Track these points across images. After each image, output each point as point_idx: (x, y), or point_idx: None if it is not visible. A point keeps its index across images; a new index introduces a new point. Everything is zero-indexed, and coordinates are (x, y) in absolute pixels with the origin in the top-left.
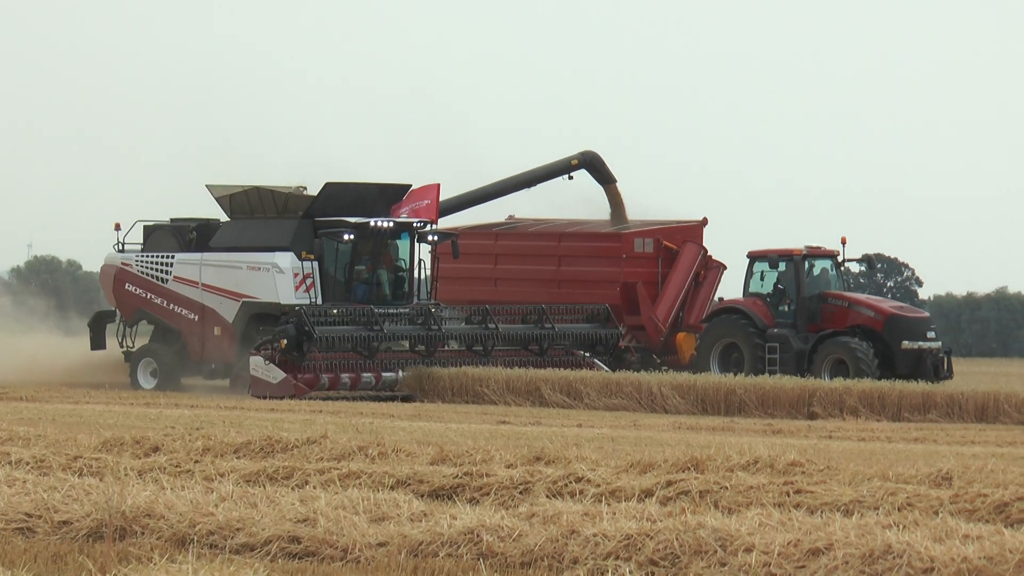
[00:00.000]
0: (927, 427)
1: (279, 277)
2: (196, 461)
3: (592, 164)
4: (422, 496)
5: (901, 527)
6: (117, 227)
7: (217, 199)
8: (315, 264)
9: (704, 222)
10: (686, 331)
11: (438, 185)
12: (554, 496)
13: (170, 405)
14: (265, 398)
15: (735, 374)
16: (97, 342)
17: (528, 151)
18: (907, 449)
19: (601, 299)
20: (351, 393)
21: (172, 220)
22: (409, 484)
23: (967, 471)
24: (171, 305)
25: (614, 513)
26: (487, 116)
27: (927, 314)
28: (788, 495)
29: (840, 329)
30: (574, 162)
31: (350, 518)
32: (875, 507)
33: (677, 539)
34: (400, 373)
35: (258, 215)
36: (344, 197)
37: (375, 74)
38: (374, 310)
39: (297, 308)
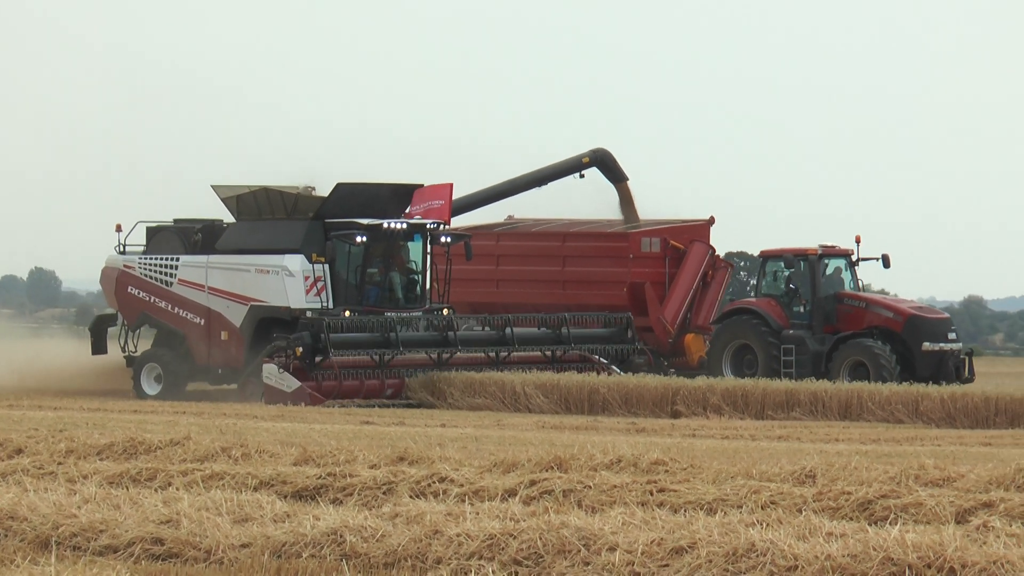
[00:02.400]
0: (791, 425)
1: (289, 280)
2: (59, 463)
3: (604, 162)
4: (285, 497)
5: (765, 525)
6: (118, 228)
7: (223, 200)
8: (326, 267)
9: (711, 221)
10: (694, 332)
11: (451, 185)
12: (417, 496)
13: (33, 407)
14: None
15: (750, 377)
16: (98, 347)
17: (536, 150)
18: (771, 447)
19: (607, 300)
20: (365, 401)
21: (175, 221)
22: (272, 485)
23: (831, 469)
24: (176, 309)
25: (477, 513)
26: (497, 115)
27: (947, 315)
28: (651, 494)
29: (857, 331)
30: (585, 160)
31: (213, 519)
32: (739, 505)
33: (540, 539)
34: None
35: (266, 216)
36: (356, 198)
37: (376, 72)
38: (388, 315)
39: (309, 314)
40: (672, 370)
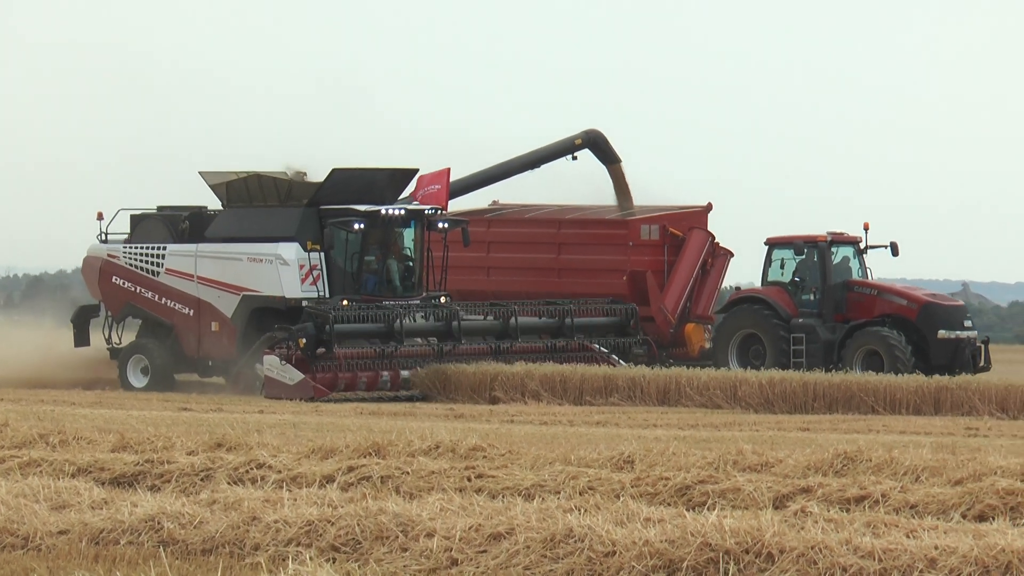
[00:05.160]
0: (609, 410)
1: (283, 269)
2: None
3: (596, 143)
4: (103, 484)
5: (583, 511)
6: (100, 216)
7: (212, 187)
8: (321, 255)
9: (709, 207)
10: (695, 322)
11: (448, 170)
12: (235, 483)
13: None
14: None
15: (757, 368)
16: (81, 338)
17: (529, 132)
18: (589, 433)
19: (606, 289)
20: (369, 394)
21: (159, 208)
22: (90, 472)
23: (649, 454)
24: (163, 299)
25: (295, 499)
26: (489, 97)
27: (962, 302)
28: (469, 480)
29: (869, 319)
30: (578, 141)
31: (30, 506)
32: (557, 491)
33: (358, 525)
34: (415, 371)
35: (257, 203)
36: (351, 183)
37: (362, 54)
38: (388, 303)
39: (305, 304)
40: (671, 361)
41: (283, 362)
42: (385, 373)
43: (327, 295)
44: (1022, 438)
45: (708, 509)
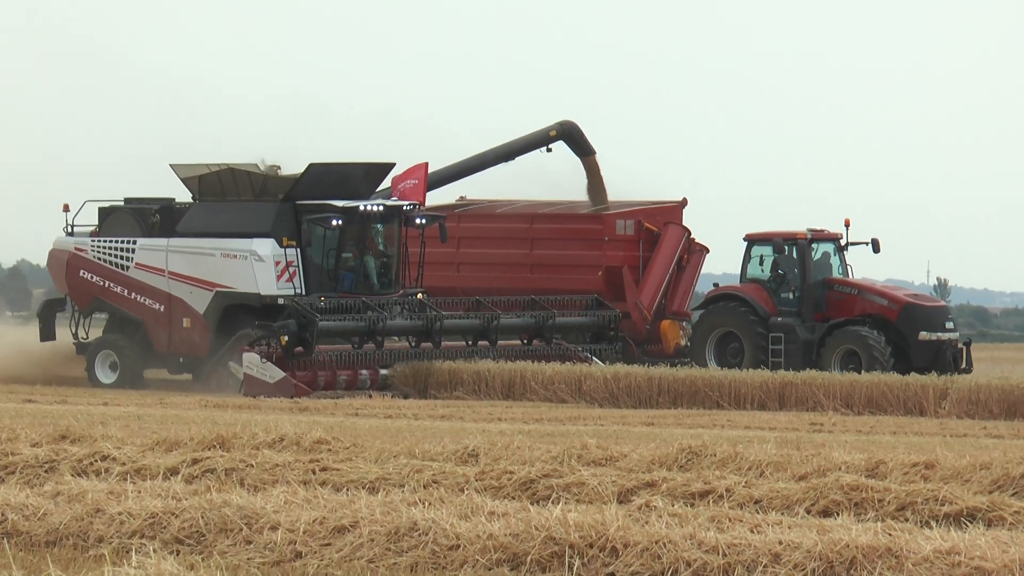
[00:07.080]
0: (454, 404)
1: (259, 265)
2: None
3: (570, 135)
4: None
5: (427, 504)
6: (66, 208)
7: (183, 180)
8: (297, 251)
9: (684, 203)
10: (670, 318)
11: (426, 164)
12: (79, 475)
13: None
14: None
15: (735, 367)
16: (47, 333)
17: (502, 126)
18: (434, 426)
19: (581, 285)
20: (348, 392)
21: (127, 200)
22: None
23: (493, 448)
24: (133, 294)
25: (139, 491)
26: (462, 91)
27: (944, 303)
28: (314, 472)
29: (849, 318)
30: (552, 133)
31: None
32: (401, 484)
33: (202, 517)
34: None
35: (231, 197)
36: (328, 178)
37: (329, 48)
38: (367, 300)
39: (282, 301)
40: (647, 358)
41: (263, 360)
42: (364, 371)
43: (303, 292)
44: (866, 434)
45: (552, 503)
